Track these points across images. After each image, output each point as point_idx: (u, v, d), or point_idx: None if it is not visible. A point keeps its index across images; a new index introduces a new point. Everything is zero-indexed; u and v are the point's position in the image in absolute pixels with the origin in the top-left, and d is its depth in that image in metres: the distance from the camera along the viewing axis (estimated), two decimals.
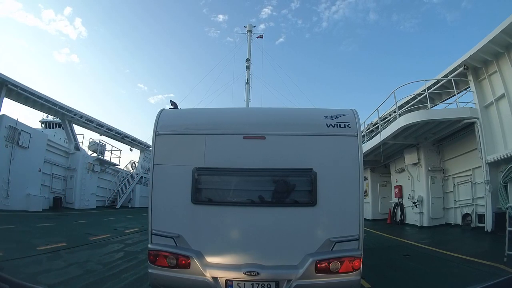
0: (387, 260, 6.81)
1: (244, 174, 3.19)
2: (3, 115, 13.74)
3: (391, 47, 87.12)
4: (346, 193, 3.10)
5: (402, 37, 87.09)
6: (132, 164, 27.68)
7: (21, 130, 14.24)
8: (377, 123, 13.21)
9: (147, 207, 3.20)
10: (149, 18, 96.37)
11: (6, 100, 14.63)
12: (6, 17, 77.22)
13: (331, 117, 3.23)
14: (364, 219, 3.16)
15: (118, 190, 23.47)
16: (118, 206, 22.35)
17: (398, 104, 12.16)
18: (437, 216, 11.97)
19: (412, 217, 12.90)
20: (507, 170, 8.44)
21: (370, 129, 16.02)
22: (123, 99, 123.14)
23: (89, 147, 22.56)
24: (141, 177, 25.63)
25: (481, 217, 9.80)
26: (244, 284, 2.90)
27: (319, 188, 3.05)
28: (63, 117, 18.93)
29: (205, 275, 2.92)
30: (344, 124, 3.20)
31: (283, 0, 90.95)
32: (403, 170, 13.81)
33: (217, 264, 2.99)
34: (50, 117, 23.40)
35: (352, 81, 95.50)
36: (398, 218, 13.91)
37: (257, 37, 23.26)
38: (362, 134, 13.29)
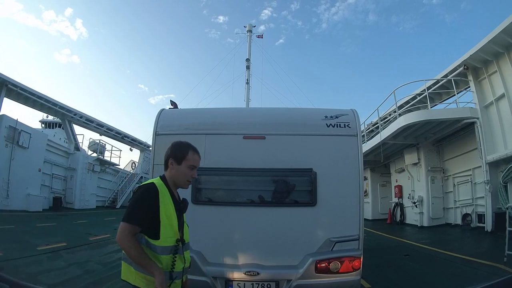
0: (387, 260, 6.81)
1: (244, 174, 3.19)
2: (3, 115, 13.74)
3: (390, 48, 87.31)
4: (346, 193, 3.09)
5: (402, 38, 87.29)
6: (132, 164, 27.69)
7: (21, 130, 14.24)
8: (377, 123, 13.21)
9: None
10: (150, 19, 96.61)
11: (6, 100, 14.65)
12: (6, 18, 77.31)
13: (331, 117, 3.23)
14: (364, 219, 3.16)
15: (118, 190, 23.48)
16: (118, 206, 22.34)
17: (398, 104, 12.16)
18: (437, 216, 11.97)
19: (412, 217, 12.90)
20: (507, 170, 8.43)
21: (370, 129, 16.03)
22: (123, 99, 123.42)
23: (89, 147, 22.57)
24: (141, 177, 25.62)
25: (481, 217, 9.79)
26: (244, 284, 2.90)
27: (319, 188, 3.05)
28: (63, 117, 18.94)
29: (205, 275, 2.92)
30: (344, 124, 3.19)
31: (283, 1, 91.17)
32: (403, 170, 13.81)
33: (217, 264, 2.99)
34: (50, 117, 23.39)
35: (352, 81, 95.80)
36: (398, 218, 13.91)
37: (257, 36, 23.20)
38: (362, 134, 13.29)
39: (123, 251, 1.62)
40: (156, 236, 1.61)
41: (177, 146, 1.86)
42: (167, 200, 1.68)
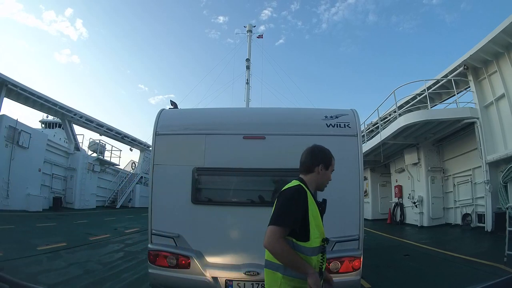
0: (387, 260, 6.81)
1: (244, 174, 3.18)
2: (3, 115, 13.74)
3: (390, 48, 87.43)
4: (346, 193, 3.09)
5: (402, 38, 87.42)
6: (132, 164, 27.69)
7: (21, 130, 14.24)
8: (377, 123, 13.21)
9: (147, 207, 3.20)
10: (150, 19, 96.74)
11: (6, 100, 14.65)
12: (7, 18, 77.34)
13: (331, 117, 3.23)
14: (364, 219, 3.16)
15: (118, 190, 23.47)
16: (118, 206, 22.36)
17: (398, 104, 12.16)
18: (437, 216, 11.97)
19: (412, 217, 12.90)
20: (507, 170, 8.43)
21: (370, 129, 16.02)
22: (123, 99, 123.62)
23: (89, 147, 22.57)
24: (141, 177, 25.63)
25: (481, 217, 9.79)
26: (244, 284, 2.90)
27: None
28: (63, 117, 18.93)
29: (205, 275, 2.92)
30: (344, 124, 3.19)
31: (283, 1, 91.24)
32: (403, 170, 13.80)
33: (217, 264, 2.99)
34: (50, 117, 23.41)
35: (352, 81, 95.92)
36: (398, 218, 13.91)
37: (257, 37, 23.22)
38: (362, 134, 13.28)
39: (267, 259, 1.65)
40: (306, 238, 1.62)
41: (324, 153, 1.91)
42: (312, 201, 1.71)
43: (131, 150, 26.68)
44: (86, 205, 18.91)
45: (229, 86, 57.42)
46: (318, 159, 1.84)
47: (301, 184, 1.74)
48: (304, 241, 1.61)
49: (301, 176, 1.84)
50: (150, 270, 3.07)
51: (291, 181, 1.79)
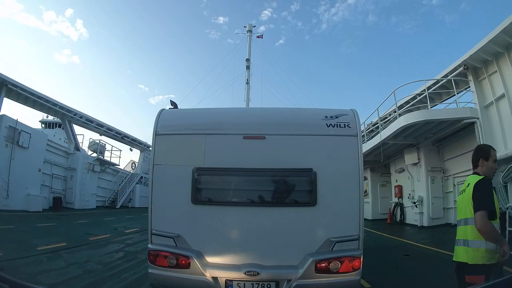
0: (387, 260, 6.81)
1: (244, 174, 3.18)
2: (3, 115, 13.74)
3: (390, 48, 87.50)
4: (346, 193, 3.09)
5: (402, 38, 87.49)
6: (132, 164, 27.68)
7: (21, 130, 14.23)
8: (377, 123, 13.21)
9: (147, 207, 3.20)
10: (150, 19, 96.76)
11: (6, 100, 14.64)
12: (7, 18, 77.36)
13: (331, 117, 3.23)
14: (364, 219, 3.16)
15: (118, 190, 23.46)
16: (118, 206, 22.35)
17: (398, 104, 12.15)
18: (437, 216, 11.97)
19: (412, 217, 12.90)
20: (507, 170, 8.44)
21: (370, 129, 16.02)
22: (123, 99, 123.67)
23: (89, 147, 22.55)
24: (141, 177, 25.62)
25: None
26: (244, 284, 2.89)
27: (319, 188, 3.04)
28: (63, 117, 18.93)
29: (205, 275, 2.92)
30: (344, 124, 3.19)
31: (283, 2, 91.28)
32: (403, 170, 13.80)
33: (217, 264, 2.99)
34: (50, 117, 23.40)
35: (352, 81, 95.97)
36: (398, 218, 13.90)
37: (257, 37, 23.28)
38: (362, 134, 13.27)
39: (470, 239, 2.27)
40: (494, 217, 2.25)
41: (482, 148, 2.56)
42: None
43: (131, 150, 26.70)
44: (86, 205, 18.90)
45: (229, 86, 57.41)
46: (478, 155, 2.47)
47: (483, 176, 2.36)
48: (493, 219, 2.22)
49: (475, 171, 2.48)
50: (150, 270, 3.07)
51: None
